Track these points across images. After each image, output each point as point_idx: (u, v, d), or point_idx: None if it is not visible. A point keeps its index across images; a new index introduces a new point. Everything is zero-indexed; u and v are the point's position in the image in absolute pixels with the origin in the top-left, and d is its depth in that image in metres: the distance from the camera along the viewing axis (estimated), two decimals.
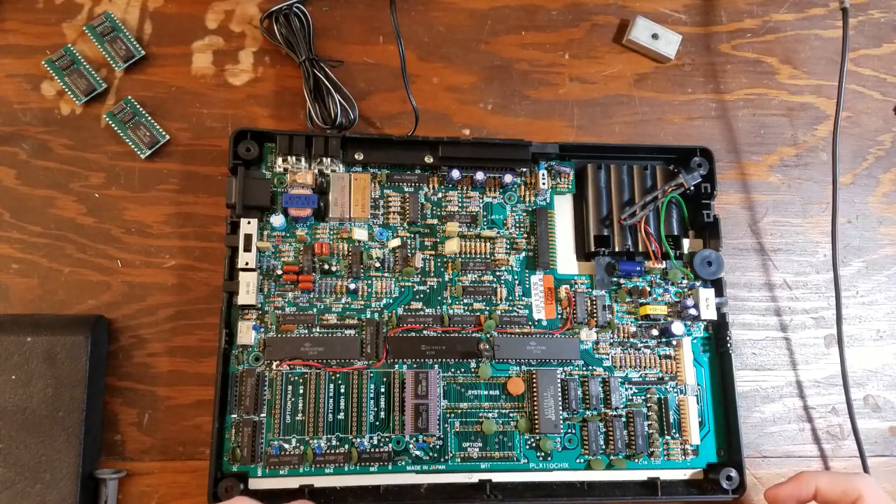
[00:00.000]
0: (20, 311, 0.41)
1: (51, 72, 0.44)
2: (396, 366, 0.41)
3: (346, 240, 0.42)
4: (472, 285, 0.43)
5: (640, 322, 0.44)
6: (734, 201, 0.48)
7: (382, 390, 0.41)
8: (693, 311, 0.43)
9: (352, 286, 0.42)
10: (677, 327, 0.42)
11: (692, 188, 0.45)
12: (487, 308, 0.43)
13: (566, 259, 0.44)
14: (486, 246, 0.44)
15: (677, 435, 0.42)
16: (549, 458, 0.41)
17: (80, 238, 0.42)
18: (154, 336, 0.42)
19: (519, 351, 0.42)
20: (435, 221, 0.44)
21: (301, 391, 0.40)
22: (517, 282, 0.43)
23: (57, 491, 0.36)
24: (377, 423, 0.40)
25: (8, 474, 0.36)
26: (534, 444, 0.41)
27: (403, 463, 0.40)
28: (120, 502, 0.39)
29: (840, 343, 0.45)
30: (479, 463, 0.41)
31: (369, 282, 0.42)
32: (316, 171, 0.43)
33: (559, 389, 0.41)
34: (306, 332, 0.41)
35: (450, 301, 0.43)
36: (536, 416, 0.41)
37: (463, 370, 0.42)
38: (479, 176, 0.43)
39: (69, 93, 0.44)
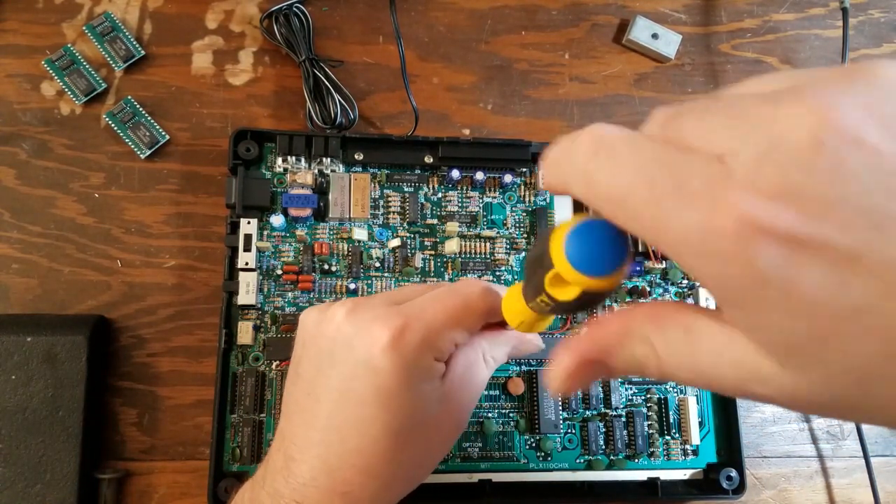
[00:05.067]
0: (20, 311, 0.41)
1: (51, 72, 0.44)
2: None
3: (346, 240, 0.42)
4: None
5: None
6: None
7: None
8: None
9: (352, 286, 0.42)
10: None
11: None
12: None
13: None
14: (486, 246, 0.44)
15: (677, 435, 0.42)
16: (549, 459, 0.41)
17: (80, 238, 0.42)
18: (154, 336, 0.42)
19: None
20: (435, 221, 0.44)
21: None
22: (517, 282, 0.43)
23: (57, 491, 0.36)
24: None
25: (8, 474, 0.36)
26: (534, 444, 0.41)
27: None
28: (120, 502, 0.39)
29: None
30: (479, 463, 0.41)
31: (369, 282, 0.42)
32: (316, 171, 0.43)
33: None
34: None
35: None
36: (536, 416, 0.41)
37: None
38: (479, 176, 0.43)
39: (69, 93, 0.44)
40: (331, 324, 0.29)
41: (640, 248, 0.44)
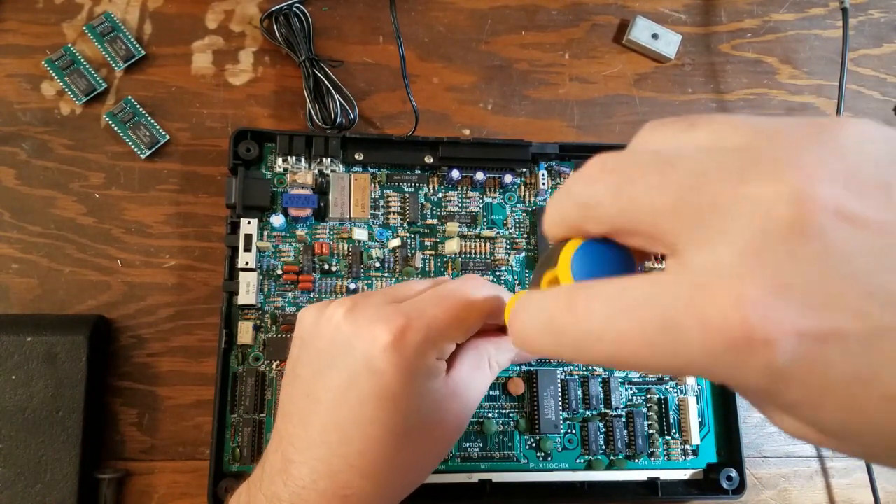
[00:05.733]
0: (20, 311, 0.41)
1: (51, 72, 0.44)
2: None
3: (346, 240, 0.42)
4: None
5: None
6: None
7: None
8: None
9: (352, 286, 0.42)
10: None
11: None
12: None
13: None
14: (486, 246, 0.44)
15: (677, 435, 0.42)
16: (549, 459, 0.41)
17: (80, 238, 0.42)
18: (154, 336, 0.42)
19: None
20: (435, 221, 0.44)
21: None
22: (517, 282, 0.43)
23: (57, 491, 0.36)
24: None
25: (8, 474, 0.36)
26: (534, 445, 0.41)
27: None
28: (120, 502, 0.39)
29: None
30: (479, 463, 0.41)
31: (369, 282, 0.42)
32: (316, 171, 0.43)
33: (559, 389, 0.41)
34: None
35: None
36: (536, 416, 0.41)
37: None
38: (479, 176, 0.43)
39: (69, 93, 0.44)
40: (329, 323, 0.29)
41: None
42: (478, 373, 0.31)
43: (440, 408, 0.29)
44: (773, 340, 0.13)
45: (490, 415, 0.41)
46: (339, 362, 0.28)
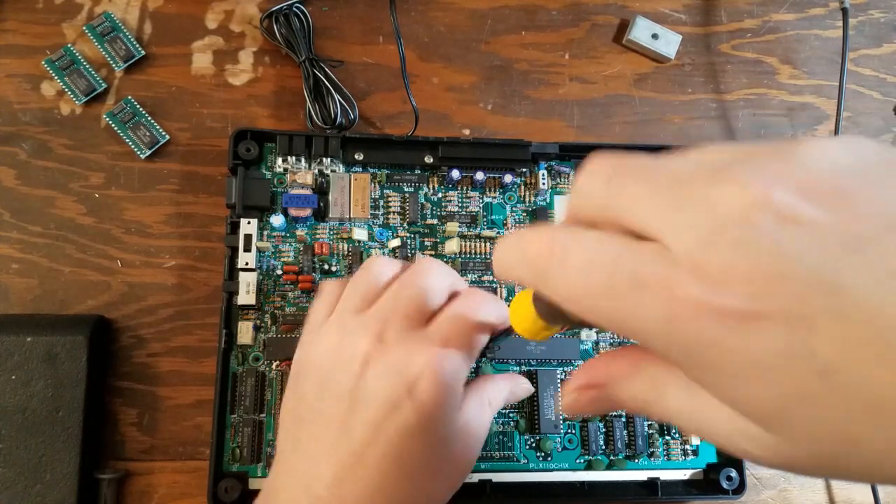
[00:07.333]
0: (20, 311, 0.41)
1: (51, 72, 0.44)
2: None
3: (346, 240, 0.42)
4: (472, 286, 0.43)
5: None
6: None
7: None
8: None
9: None
10: None
11: None
12: None
13: None
14: (486, 246, 0.44)
15: (677, 435, 0.42)
16: (549, 459, 0.41)
17: (80, 238, 0.42)
18: (154, 336, 0.42)
19: (519, 351, 0.42)
20: (435, 221, 0.44)
21: None
22: (517, 282, 0.43)
23: (57, 491, 0.36)
24: None
25: (8, 474, 0.36)
26: (534, 445, 0.41)
27: None
28: (120, 502, 0.39)
29: None
30: (479, 463, 0.41)
31: None
32: (316, 171, 0.43)
33: (559, 389, 0.41)
34: None
35: None
36: (536, 416, 0.41)
37: None
38: (479, 176, 0.43)
39: (69, 93, 0.44)
40: (354, 361, 0.30)
41: None
42: (481, 412, 0.32)
43: (454, 441, 0.30)
44: (722, 315, 0.15)
45: None
46: (374, 395, 0.29)
